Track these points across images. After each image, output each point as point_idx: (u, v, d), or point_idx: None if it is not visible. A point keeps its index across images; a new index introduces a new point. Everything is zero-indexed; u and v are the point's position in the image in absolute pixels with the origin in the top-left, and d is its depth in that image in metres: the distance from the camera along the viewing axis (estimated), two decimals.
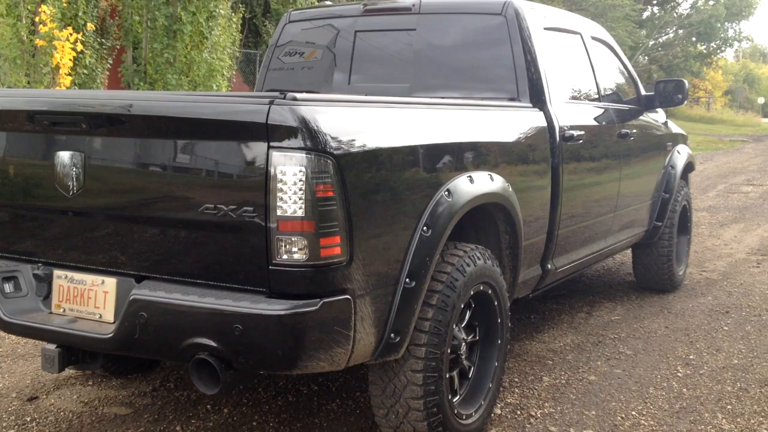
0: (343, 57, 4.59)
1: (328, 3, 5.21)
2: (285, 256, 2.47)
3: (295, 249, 2.46)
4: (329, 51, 4.63)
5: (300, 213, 2.44)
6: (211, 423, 3.52)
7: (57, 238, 3.00)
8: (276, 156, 2.44)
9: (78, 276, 2.91)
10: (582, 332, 4.98)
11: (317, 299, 2.50)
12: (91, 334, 2.80)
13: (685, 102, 5.53)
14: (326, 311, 2.52)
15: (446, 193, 3.03)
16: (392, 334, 2.82)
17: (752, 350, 4.70)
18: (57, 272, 2.96)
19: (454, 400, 3.22)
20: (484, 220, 3.54)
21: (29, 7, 9.76)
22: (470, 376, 3.39)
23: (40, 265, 3.00)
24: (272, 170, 2.44)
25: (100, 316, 2.85)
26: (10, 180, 3.06)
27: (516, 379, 4.09)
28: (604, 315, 5.41)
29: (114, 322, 2.79)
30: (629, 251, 6.14)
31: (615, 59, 5.40)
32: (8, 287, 3.03)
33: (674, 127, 6.17)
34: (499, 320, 3.45)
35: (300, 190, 2.43)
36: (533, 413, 3.67)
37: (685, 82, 5.51)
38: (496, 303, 3.42)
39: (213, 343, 2.55)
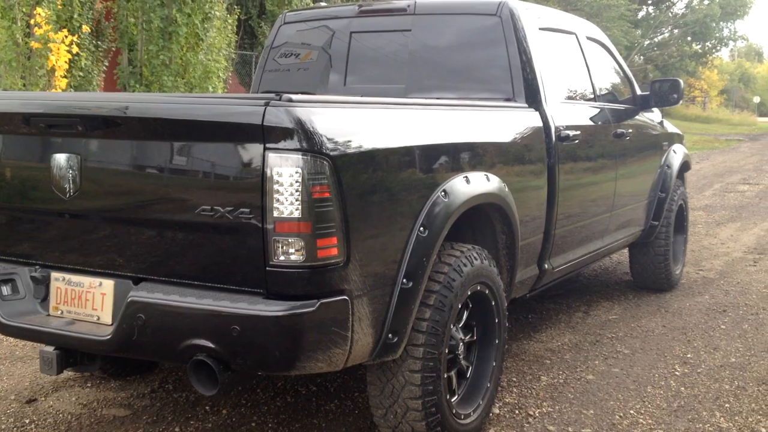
0: (338, 58, 4.59)
1: (323, 4, 5.22)
2: (282, 258, 2.47)
3: (292, 250, 2.46)
4: (325, 52, 4.63)
5: (297, 214, 2.44)
6: (210, 424, 3.52)
7: (54, 241, 3.00)
8: (272, 157, 2.44)
9: (76, 278, 2.91)
10: (580, 332, 4.98)
11: (315, 300, 2.50)
12: (89, 336, 2.80)
13: (681, 101, 5.55)
14: (324, 312, 2.52)
15: (443, 193, 3.03)
16: (390, 335, 2.82)
17: (749, 348, 4.71)
18: (54, 274, 2.95)
19: (453, 399, 3.22)
20: (480, 220, 3.54)
21: (24, 10, 9.75)
22: (468, 375, 3.39)
23: (37, 267, 3.00)
24: (268, 171, 2.44)
25: (98, 318, 2.85)
26: (7, 182, 3.06)
27: (514, 379, 4.10)
28: (601, 314, 5.42)
29: (112, 324, 2.79)
30: (626, 251, 6.14)
31: (610, 59, 5.40)
32: (6, 290, 3.02)
33: (670, 127, 6.18)
34: (496, 320, 3.46)
35: (296, 191, 2.43)
36: (531, 413, 3.68)
37: (681, 81, 5.52)
38: (493, 303, 3.42)
39: (211, 345, 2.55)
